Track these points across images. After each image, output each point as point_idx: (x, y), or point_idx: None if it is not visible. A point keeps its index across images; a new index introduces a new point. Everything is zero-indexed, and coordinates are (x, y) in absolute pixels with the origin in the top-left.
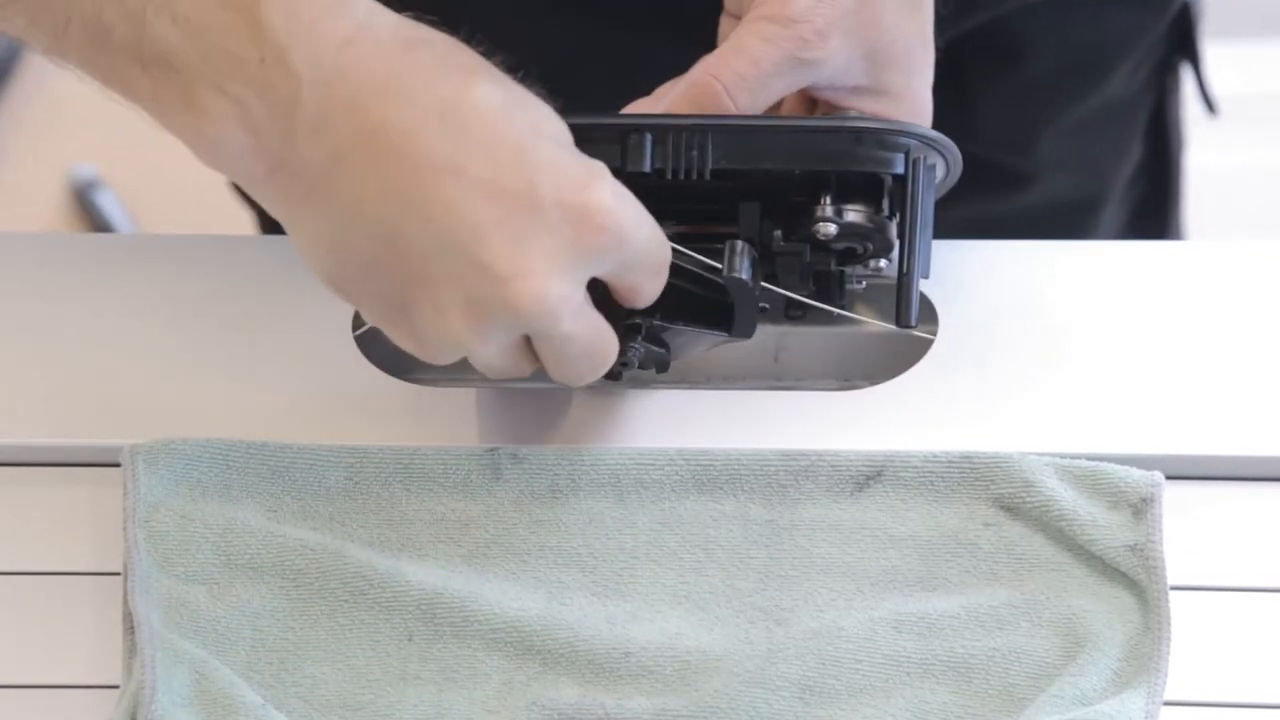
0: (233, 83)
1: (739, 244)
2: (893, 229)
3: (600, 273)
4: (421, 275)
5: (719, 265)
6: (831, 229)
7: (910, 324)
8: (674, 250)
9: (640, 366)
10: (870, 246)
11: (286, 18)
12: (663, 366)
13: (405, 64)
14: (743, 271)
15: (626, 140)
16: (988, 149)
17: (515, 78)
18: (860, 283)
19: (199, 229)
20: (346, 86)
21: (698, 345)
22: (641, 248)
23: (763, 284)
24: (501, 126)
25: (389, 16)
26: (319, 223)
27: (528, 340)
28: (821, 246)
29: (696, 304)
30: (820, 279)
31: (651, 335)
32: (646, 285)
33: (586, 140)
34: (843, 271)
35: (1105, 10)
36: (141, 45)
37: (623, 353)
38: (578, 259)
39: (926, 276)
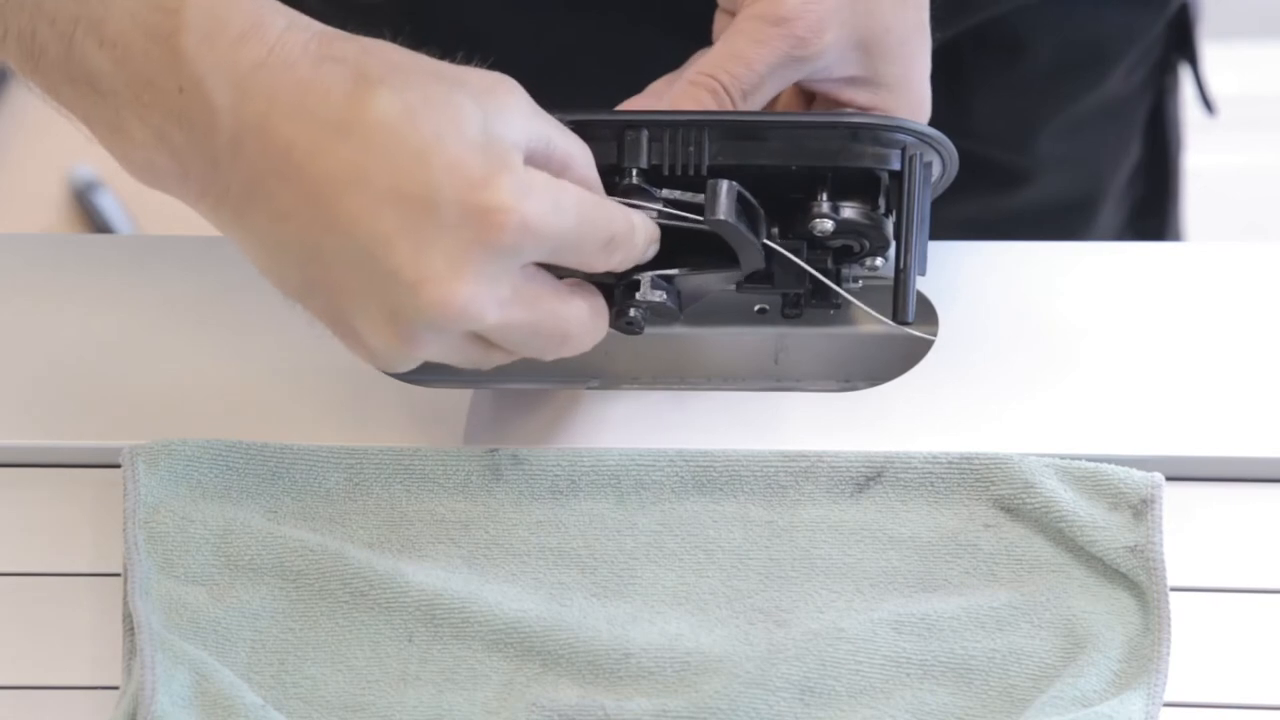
0: (154, 112)
1: (720, 184)
2: (889, 225)
3: (529, 261)
4: (347, 289)
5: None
6: (828, 225)
7: (907, 320)
8: (663, 212)
9: (655, 316)
10: (867, 244)
11: (203, 45)
12: (673, 317)
13: (312, 82)
14: (722, 211)
15: (623, 136)
16: (985, 147)
17: (512, 72)
18: (857, 282)
19: (199, 229)
20: (256, 110)
21: (711, 286)
22: (564, 234)
23: (760, 289)
24: (402, 133)
25: (303, 34)
26: (251, 244)
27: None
28: (818, 244)
29: (698, 247)
30: (815, 285)
31: (658, 285)
32: (600, 260)
33: (583, 137)
34: (839, 270)
35: (1103, 9)
36: (71, 65)
37: (626, 312)
38: (485, 257)
39: (923, 274)
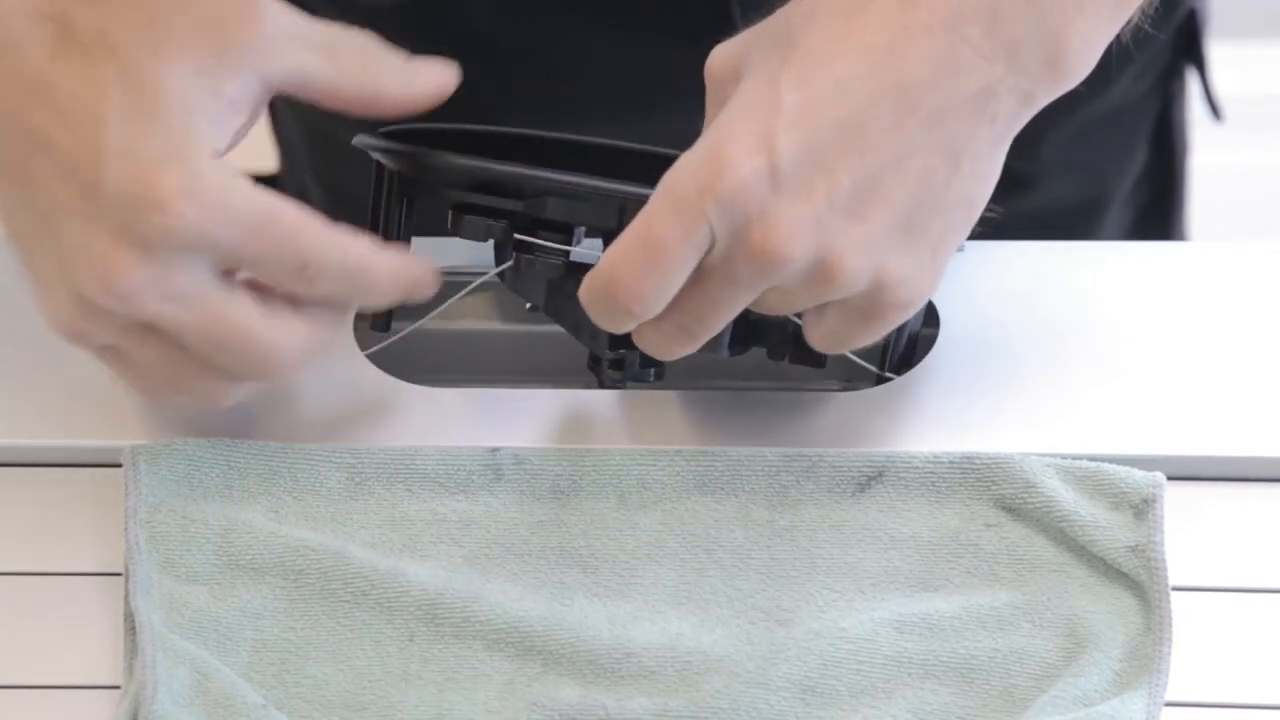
0: None
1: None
2: None
3: (204, 261)
4: (35, 251)
5: None
6: None
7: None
8: None
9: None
10: None
11: None
12: (659, 375)
13: (21, 40)
14: (723, 351)
15: (623, 213)
16: None
17: (518, 78)
18: None
19: None
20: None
21: None
22: (233, 244)
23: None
24: (88, 105)
25: None
26: None
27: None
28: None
29: None
30: (800, 343)
31: (648, 361)
32: (298, 285)
33: (584, 199)
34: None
35: None
36: None
37: (610, 383)
38: (149, 243)
39: (911, 367)
